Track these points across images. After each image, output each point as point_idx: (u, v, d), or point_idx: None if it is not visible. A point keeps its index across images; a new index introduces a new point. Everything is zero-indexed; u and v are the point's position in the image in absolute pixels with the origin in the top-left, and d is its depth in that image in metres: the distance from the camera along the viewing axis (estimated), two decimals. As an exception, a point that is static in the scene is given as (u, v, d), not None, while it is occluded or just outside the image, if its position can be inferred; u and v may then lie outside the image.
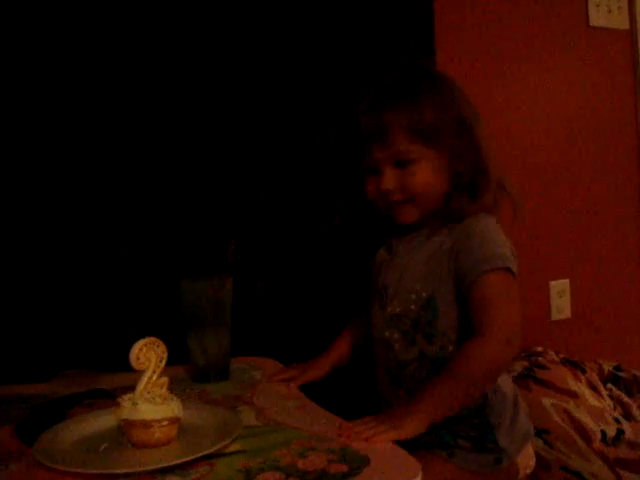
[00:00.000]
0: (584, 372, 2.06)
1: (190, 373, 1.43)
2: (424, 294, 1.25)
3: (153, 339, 1.04)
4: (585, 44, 2.53)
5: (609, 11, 2.54)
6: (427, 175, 1.26)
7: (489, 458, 1.26)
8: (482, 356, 1.13)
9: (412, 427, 1.03)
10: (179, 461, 0.92)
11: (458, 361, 1.13)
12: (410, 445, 1.21)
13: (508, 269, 1.19)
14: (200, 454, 0.94)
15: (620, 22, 2.57)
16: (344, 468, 0.92)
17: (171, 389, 1.07)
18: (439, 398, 1.08)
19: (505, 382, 1.31)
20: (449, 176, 1.27)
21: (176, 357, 1.22)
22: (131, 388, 1.04)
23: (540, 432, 1.81)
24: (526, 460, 1.33)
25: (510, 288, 1.19)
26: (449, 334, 1.24)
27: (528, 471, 1.35)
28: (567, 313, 2.52)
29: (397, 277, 1.31)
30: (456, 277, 1.23)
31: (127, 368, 1.04)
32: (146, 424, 1.00)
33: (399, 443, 1.03)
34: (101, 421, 1.11)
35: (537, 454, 1.75)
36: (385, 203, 1.31)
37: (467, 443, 1.26)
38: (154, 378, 1.03)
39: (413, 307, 1.26)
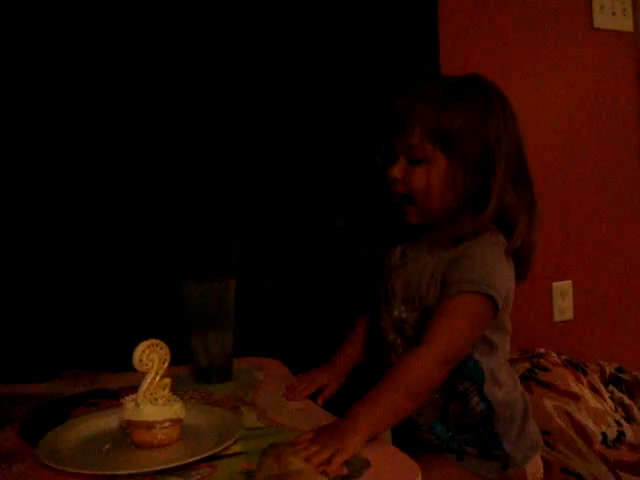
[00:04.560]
0: (586, 374, 2.07)
1: (193, 373, 1.44)
2: (424, 303, 1.24)
3: (156, 341, 1.05)
4: (589, 46, 2.53)
5: (613, 13, 2.53)
6: (432, 180, 1.22)
7: (496, 464, 1.26)
8: (417, 367, 1.11)
9: (354, 446, 0.99)
10: (180, 463, 0.94)
11: (397, 370, 1.12)
12: (418, 447, 1.22)
13: (490, 297, 1.16)
14: (201, 456, 0.95)
15: (624, 24, 2.57)
16: (344, 470, 0.93)
17: (174, 390, 1.08)
18: (379, 410, 1.06)
19: (514, 394, 1.29)
20: (456, 189, 1.23)
21: (179, 357, 1.23)
22: (134, 388, 1.05)
23: (541, 433, 1.81)
24: (534, 470, 1.33)
25: (477, 314, 1.17)
26: None
27: (536, 481, 1.34)
28: (569, 314, 2.52)
29: (404, 282, 1.29)
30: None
31: (130, 368, 1.04)
32: (149, 425, 1.01)
33: (400, 441, 1.04)
34: (104, 421, 1.12)
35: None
36: (394, 193, 1.29)
37: (474, 450, 1.26)
38: (157, 379, 1.05)
39: (416, 315, 1.26)
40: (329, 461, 0.95)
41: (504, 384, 1.27)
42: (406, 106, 1.24)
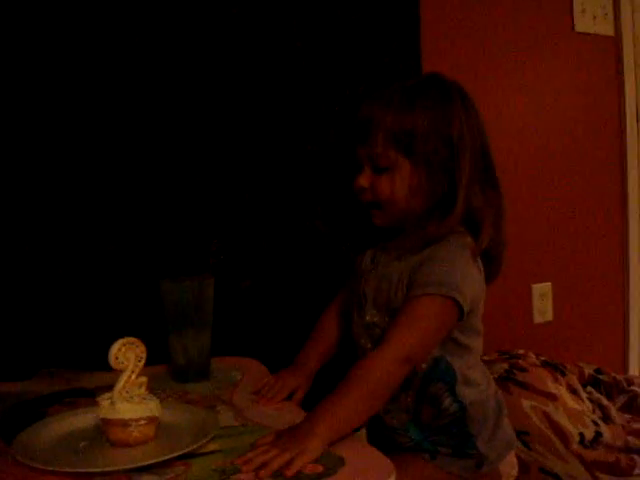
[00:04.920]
0: (564, 375, 2.08)
1: (170, 373, 1.44)
2: (393, 307, 1.23)
3: (132, 339, 1.05)
4: (570, 49, 2.55)
5: (594, 17, 2.56)
6: (397, 188, 1.23)
7: (470, 463, 1.26)
8: (378, 366, 1.12)
9: (315, 448, 0.98)
10: (154, 460, 0.94)
11: (358, 370, 1.12)
12: (392, 447, 1.22)
13: (453, 300, 1.16)
14: (175, 454, 0.95)
15: (605, 28, 2.59)
16: (319, 468, 0.94)
17: (151, 388, 1.08)
18: (341, 411, 1.06)
19: (487, 393, 1.30)
20: (422, 194, 1.23)
21: (157, 356, 1.23)
22: (111, 387, 1.05)
23: (519, 434, 1.82)
24: (508, 468, 1.33)
25: (440, 317, 1.17)
26: None
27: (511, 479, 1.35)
28: (549, 316, 2.54)
29: (375, 287, 1.29)
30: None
31: (107, 367, 1.04)
32: (124, 423, 1.01)
33: (375, 444, 1.04)
34: (80, 420, 1.12)
35: (516, 456, 1.78)
36: (362, 200, 1.30)
37: (447, 450, 1.26)
38: (133, 377, 1.04)
39: (386, 319, 1.25)
40: (289, 464, 0.94)
41: (476, 384, 1.27)
42: (367, 114, 1.25)
